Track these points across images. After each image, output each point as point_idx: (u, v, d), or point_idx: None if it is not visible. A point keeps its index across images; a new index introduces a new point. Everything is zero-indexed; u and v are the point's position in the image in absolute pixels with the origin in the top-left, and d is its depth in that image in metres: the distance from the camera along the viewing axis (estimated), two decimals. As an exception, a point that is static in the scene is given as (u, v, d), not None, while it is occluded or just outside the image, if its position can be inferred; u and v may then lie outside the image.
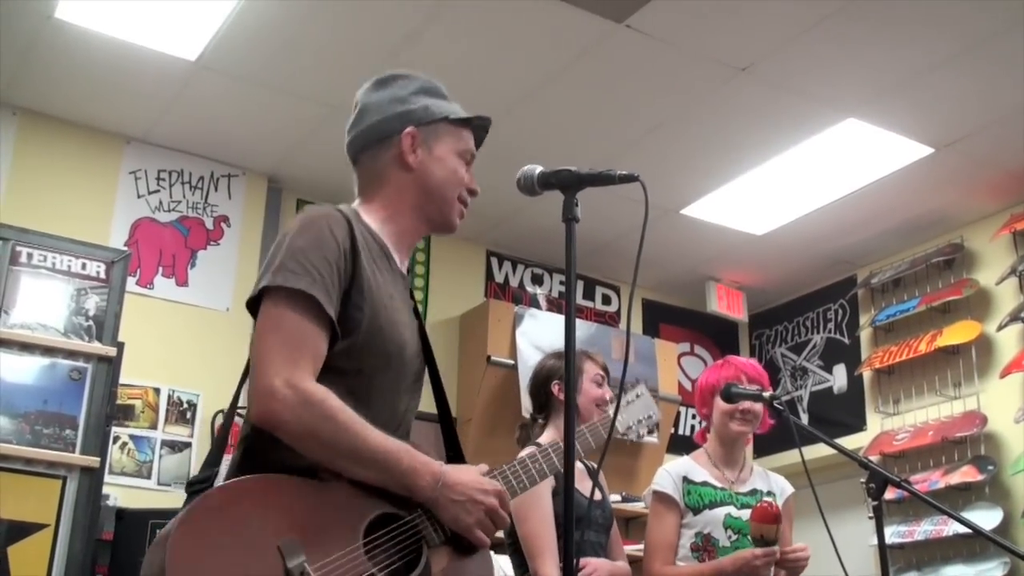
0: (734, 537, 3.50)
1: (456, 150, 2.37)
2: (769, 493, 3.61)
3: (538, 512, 3.38)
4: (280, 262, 2.07)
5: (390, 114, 2.35)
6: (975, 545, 6.24)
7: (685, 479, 3.64)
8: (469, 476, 2.09)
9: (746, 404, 3.59)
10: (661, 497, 3.64)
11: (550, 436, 3.64)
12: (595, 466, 3.61)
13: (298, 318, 2.02)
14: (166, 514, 4.27)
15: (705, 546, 3.54)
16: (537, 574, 3.36)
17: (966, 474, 6.29)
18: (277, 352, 1.99)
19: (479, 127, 2.45)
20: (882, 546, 2.88)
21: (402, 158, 2.31)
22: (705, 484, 3.63)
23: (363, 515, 1.99)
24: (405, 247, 2.34)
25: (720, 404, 3.65)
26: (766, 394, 3.39)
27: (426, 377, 2.35)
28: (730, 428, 3.66)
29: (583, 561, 3.39)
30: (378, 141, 2.34)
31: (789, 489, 3.68)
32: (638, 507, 6.56)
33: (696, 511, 3.58)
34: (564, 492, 2.00)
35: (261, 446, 2.04)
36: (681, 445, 7.42)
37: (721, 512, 3.55)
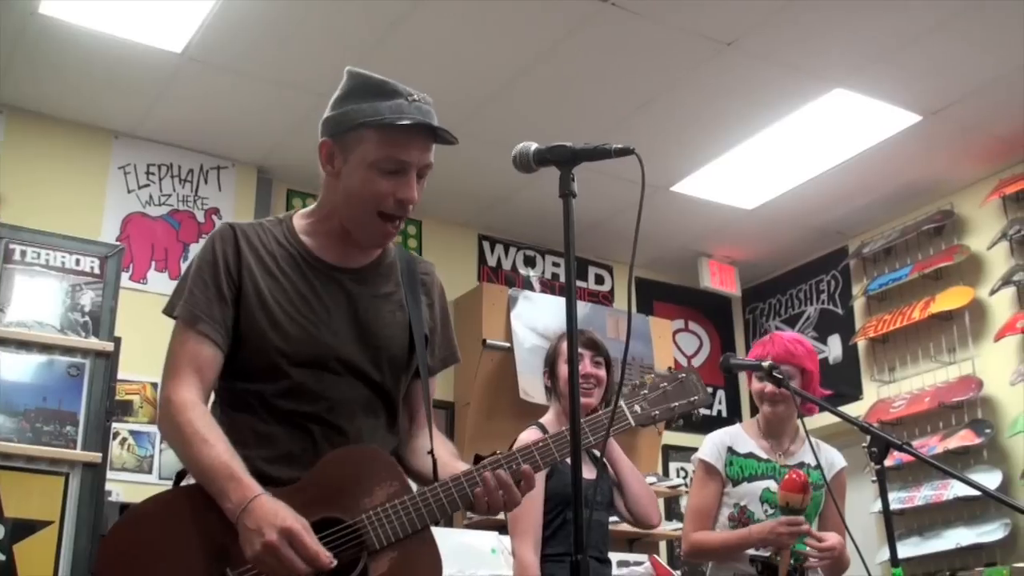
0: (770, 511, 3.49)
1: (371, 159, 2.19)
2: (817, 467, 3.58)
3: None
4: (176, 288, 2.27)
5: (322, 119, 2.33)
6: (975, 508, 6.28)
7: (730, 449, 3.65)
8: (270, 509, 1.97)
9: (771, 388, 3.58)
10: (704, 465, 3.66)
11: (547, 417, 3.65)
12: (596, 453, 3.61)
13: (180, 340, 2.19)
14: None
15: (741, 518, 3.55)
16: (514, 553, 3.38)
17: (964, 438, 6.33)
18: (165, 371, 2.19)
19: (417, 127, 2.21)
20: (886, 507, 2.89)
21: (323, 168, 2.31)
22: (750, 455, 3.63)
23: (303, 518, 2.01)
24: (355, 248, 2.30)
25: (753, 384, 3.67)
26: (765, 363, 3.39)
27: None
28: (763, 409, 3.68)
29: None
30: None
31: (839, 464, 3.65)
32: (639, 484, 6.57)
33: (736, 482, 3.59)
34: (572, 480, 1.98)
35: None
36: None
37: (759, 486, 3.55)
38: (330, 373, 2.21)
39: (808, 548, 3.44)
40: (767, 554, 3.46)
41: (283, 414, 2.18)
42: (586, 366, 3.58)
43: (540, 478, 3.38)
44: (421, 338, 2.32)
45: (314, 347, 2.20)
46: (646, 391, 2.29)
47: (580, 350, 3.58)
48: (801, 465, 3.60)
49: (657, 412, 2.30)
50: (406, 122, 2.17)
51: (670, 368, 2.20)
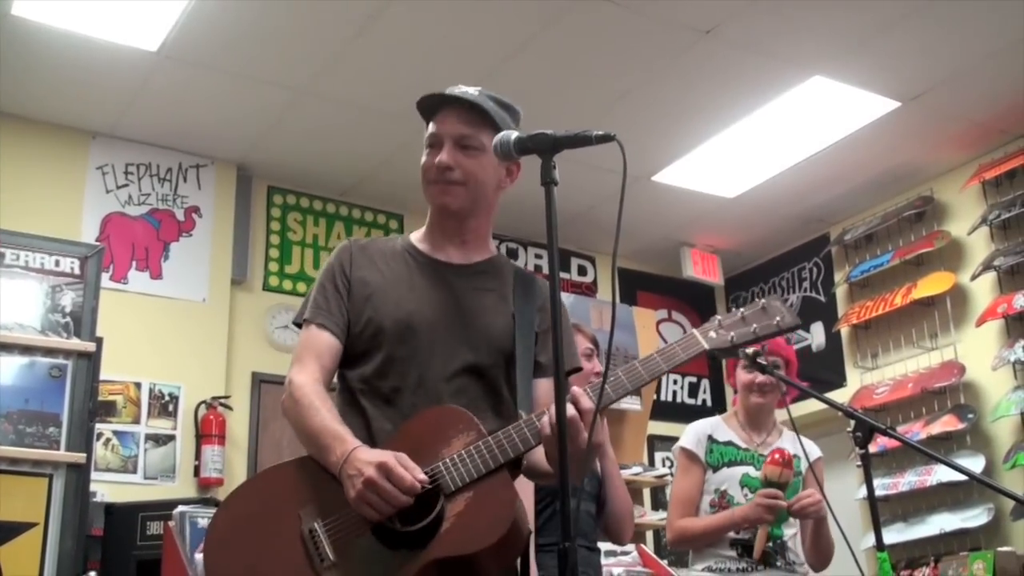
0: (750, 496, 3.52)
1: (424, 142, 2.47)
2: (795, 456, 3.62)
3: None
4: (304, 300, 2.51)
5: None
6: (959, 493, 6.31)
7: (710, 437, 3.70)
8: (367, 453, 2.14)
9: (762, 377, 3.61)
10: (685, 453, 3.71)
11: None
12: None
13: (304, 335, 2.42)
14: (156, 507, 4.26)
15: (721, 503, 3.59)
16: None
17: (947, 423, 6.36)
18: (293, 359, 2.42)
19: (435, 104, 2.49)
20: (871, 492, 2.91)
21: None
22: (729, 444, 3.68)
23: None
24: (457, 239, 2.49)
25: (741, 375, 3.69)
26: (749, 350, 3.41)
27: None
28: (750, 400, 3.71)
29: None
30: None
31: (816, 453, 3.68)
32: (624, 474, 6.57)
33: (715, 468, 3.64)
34: (559, 468, 1.97)
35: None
36: (664, 411, 7.47)
37: (739, 471, 3.59)
38: (421, 353, 2.34)
39: (798, 503, 3.46)
40: (747, 537, 3.49)
41: (376, 393, 2.35)
42: (597, 364, 3.62)
43: None
44: (528, 334, 2.41)
45: (407, 323, 2.35)
46: (720, 319, 2.25)
47: (593, 346, 3.72)
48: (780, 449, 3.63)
49: (734, 335, 2.24)
50: (426, 96, 2.47)
51: (756, 298, 2.13)
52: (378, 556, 2.12)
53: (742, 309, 2.26)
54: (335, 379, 2.44)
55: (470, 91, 2.49)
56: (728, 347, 2.22)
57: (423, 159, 2.45)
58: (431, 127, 2.46)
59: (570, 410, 2.09)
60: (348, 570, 2.12)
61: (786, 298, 2.11)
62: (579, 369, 2.48)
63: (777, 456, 3.47)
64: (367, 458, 2.12)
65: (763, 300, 2.28)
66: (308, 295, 2.49)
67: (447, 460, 2.16)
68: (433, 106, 2.48)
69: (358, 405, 2.35)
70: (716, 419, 3.82)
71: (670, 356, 2.22)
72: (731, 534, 3.52)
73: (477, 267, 2.49)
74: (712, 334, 2.23)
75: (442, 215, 2.48)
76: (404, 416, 2.28)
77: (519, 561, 2.27)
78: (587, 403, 2.14)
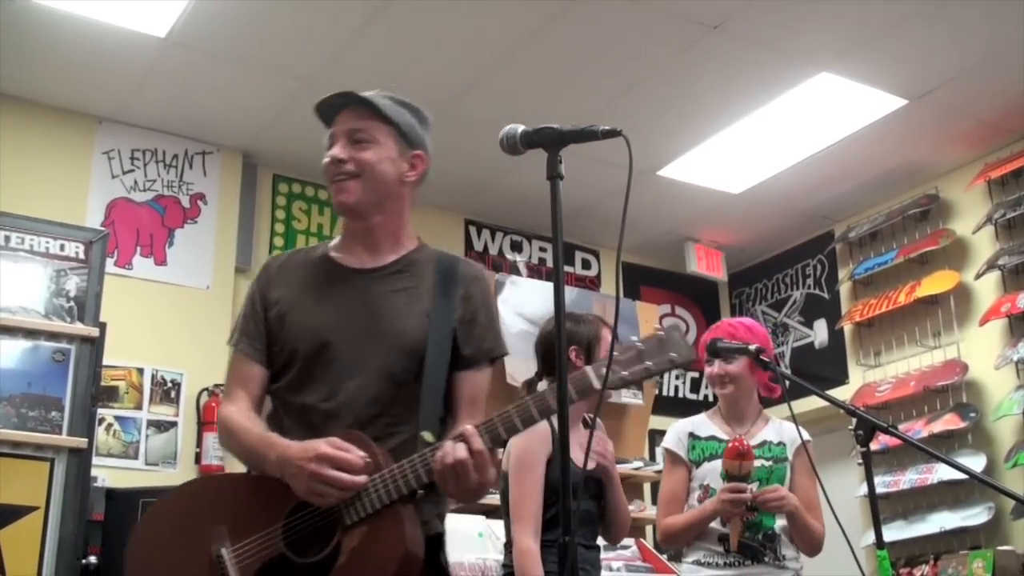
0: None
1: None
2: (780, 444, 3.63)
3: (527, 479, 3.37)
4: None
5: None
6: (960, 492, 6.31)
7: (691, 435, 3.70)
8: (301, 447, 2.19)
9: (716, 368, 3.62)
10: (668, 454, 3.73)
11: None
12: (589, 420, 3.61)
13: (231, 362, 2.52)
14: (156, 493, 4.26)
15: (705, 497, 3.59)
16: (514, 540, 3.37)
17: (949, 422, 6.35)
18: (224, 393, 2.56)
19: (332, 109, 2.52)
20: (872, 489, 2.91)
21: None
22: (711, 438, 3.68)
23: (287, 501, 2.21)
24: (371, 243, 2.51)
25: (707, 369, 3.70)
26: (752, 347, 3.40)
27: None
28: (716, 391, 3.73)
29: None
30: None
31: (799, 439, 3.61)
32: (624, 469, 6.59)
33: (698, 464, 3.64)
34: (561, 462, 1.99)
35: None
36: (666, 406, 7.47)
37: (719, 464, 3.58)
38: (333, 365, 2.36)
39: (762, 496, 3.46)
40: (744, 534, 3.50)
41: (293, 408, 2.39)
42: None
43: (540, 463, 3.39)
44: (443, 330, 2.39)
45: (318, 339, 2.37)
46: (616, 354, 2.18)
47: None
48: (763, 443, 3.63)
49: (626, 373, 2.18)
50: (319, 103, 2.49)
51: (656, 327, 2.10)
52: None
53: (638, 343, 2.19)
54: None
55: (362, 92, 2.51)
56: (620, 384, 2.20)
57: (324, 160, 2.49)
58: (328, 130, 2.50)
59: (460, 452, 2.12)
60: None
61: (687, 329, 2.04)
62: (504, 354, 2.50)
63: (732, 446, 3.46)
64: (303, 453, 2.16)
65: (662, 332, 2.22)
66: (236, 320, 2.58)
67: None
68: (330, 113, 2.51)
69: (279, 421, 2.41)
70: (700, 416, 3.82)
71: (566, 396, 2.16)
72: (718, 528, 3.52)
73: (390, 267, 2.48)
74: (604, 370, 2.16)
75: (346, 215, 2.51)
76: (318, 432, 2.26)
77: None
78: (479, 444, 2.14)
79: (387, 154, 2.45)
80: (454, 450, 2.12)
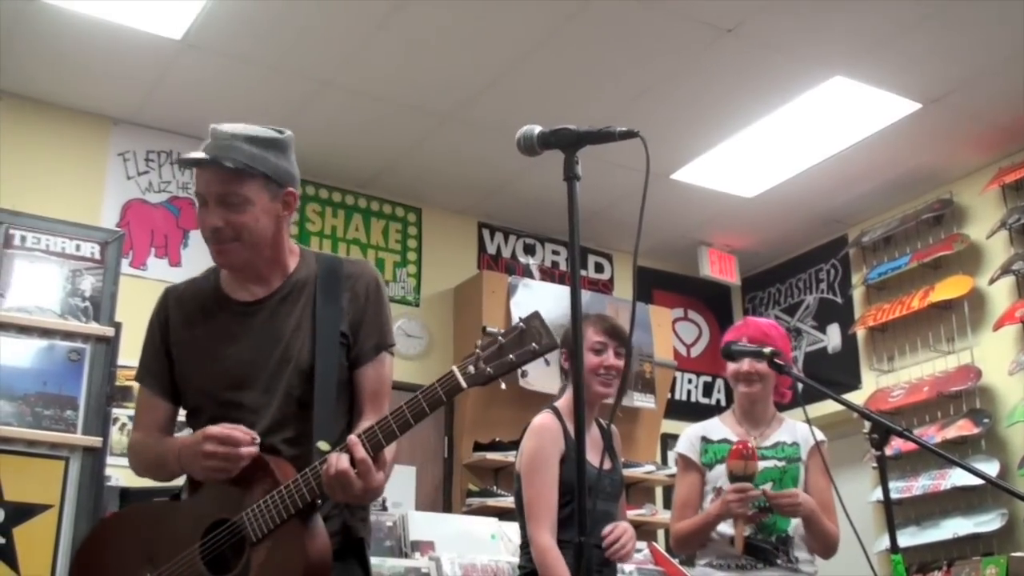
0: None
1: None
2: (793, 444, 3.62)
3: (541, 477, 3.38)
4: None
5: None
6: (973, 498, 6.29)
7: (703, 439, 3.69)
8: (189, 438, 2.35)
9: (745, 366, 3.61)
10: (681, 458, 3.74)
11: (563, 401, 3.61)
12: (605, 426, 3.61)
13: (137, 397, 2.66)
14: (168, 493, 4.27)
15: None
16: (531, 538, 3.37)
17: (962, 428, 6.34)
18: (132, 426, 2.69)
19: (193, 164, 2.47)
20: (886, 493, 2.90)
21: None
22: (723, 441, 3.66)
23: (202, 522, 2.32)
24: (252, 277, 2.52)
25: (729, 366, 3.68)
26: (767, 350, 3.40)
27: None
28: (739, 389, 3.70)
29: (611, 526, 3.37)
30: None
31: (812, 439, 3.60)
32: (636, 472, 6.59)
33: (710, 467, 3.64)
34: (577, 460, 1.99)
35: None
36: (679, 410, 7.46)
37: None
38: (245, 401, 2.43)
39: (778, 499, 3.46)
40: (747, 534, 3.48)
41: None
42: (610, 357, 3.53)
43: (553, 461, 3.39)
44: (331, 339, 2.46)
45: (223, 381, 2.45)
46: (479, 351, 2.21)
47: (605, 339, 3.55)
48: (777, 444, 3.63)
49: (491, 368, 2.20)
50: (183, 156, 2.47)
51: (519, 318, 2.11)
52: None
53: (500, 336, 2.21)
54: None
55: (223, 135, 2.43)
56: (486, 380, 2.22)
57: (197, 218, 2.50)
58: (195, 185, 2.47)
59: (342, 463, 2.18)
60: None
61: (541, 319, 2.00)
62: (391, 344, 2.55)
63: (737, 448, 3.46)
64: (193, 441, 2.31)
65: (521, 323, 2.23)
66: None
67: (250, 510, 2.28)
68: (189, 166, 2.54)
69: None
70: (713, 419, 3.82)
71: (432, 397, 2.21)
72: (730, 531, 3.51)
73: (277, 294, 2.52)
74: (471, 368, 2.19)
75: (232, 272, 2.53)
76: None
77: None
78: (361, 453, 2.19)
79: (261, 208, 2.43)
80: (337, 461, 2.19)
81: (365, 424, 2.32)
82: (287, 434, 2.40)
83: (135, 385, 5.62)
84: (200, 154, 2.40)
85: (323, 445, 2.32)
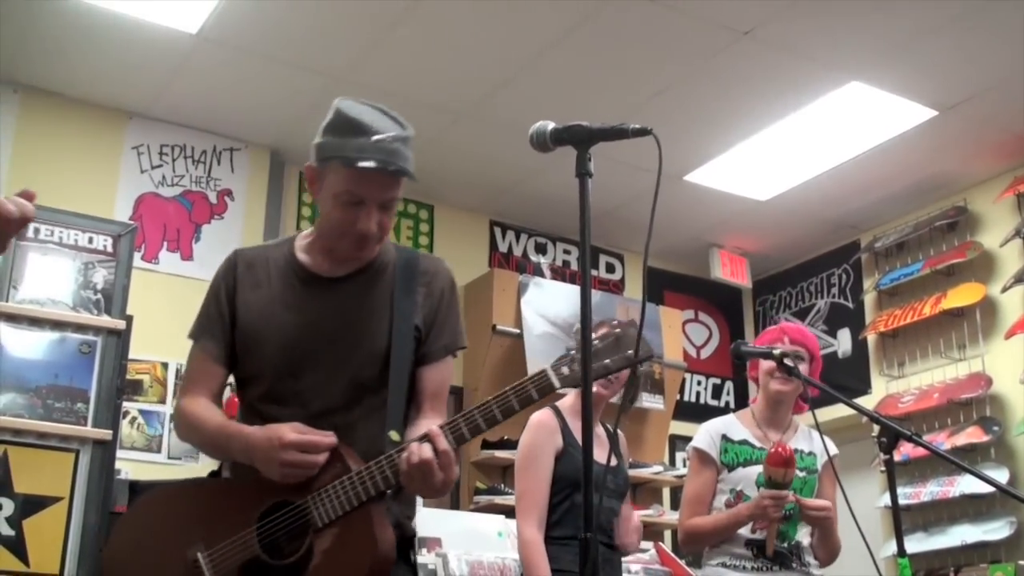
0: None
1: (334, 192, 2.37)
2: (810, 453, 3.62)
3: (532, 471, 3.39)
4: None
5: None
6: (981, 505, 6.27)
7: (724, 437, 3.66)
8: (264, 435, 2.25)
9: (787, 362, 3.60)
10: (698, 453, 3.68)
11: (565, 401, 3.62)
12: (611, 429, 3.61)
13: (191, 355, 2.55)
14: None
15: (738, 503, 3.56)
16: (518, 530, 3.38)
17: (972, 435, 6.32)
18: (182, 388, 2.56)
19: (369, 170, 2.32)
20: (894, 497, 2.90)
21: (310, 189, 2.52)
22: (744, 443, 3.64)
23: (260, 504, 2.26)
24: (342, 257, 2.47)
25: (764, 364, 3.65)
26: (776, 351, 3.40)
27: None
28: (771, 387, 3.65)
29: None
30: None
31: (832, 450, 3.63)
32: (644, 473, 6.59)
33: (731, 468, 3.61)
34: (583, 463, 1.99)
35: None
36: (687, 411, 7.45)
37: (755, 470, 3.55)
38: (305, 375, 2.39)
39: (811, 509, 3.47)
40: (761, 537, 3.48)
41: (267, 417, 2.37)
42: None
43: (546, 456, 3.40)
44: (406, 330, 2.42)
45: (289, 350, 2.40)
46: (574, 352, 2.22)
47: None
48: (796, 452, 3.61)
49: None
50: (361, 164, 2.31)
51: (614, 321, 2.11)
52: None
53: (596, 340, 2.21)
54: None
55: (387, 140, 2.34)
56: (576, 384, 2.20)
57: (331, 212, 2.39)
58: (353, 185, 2.33)
59: (425, 452, 2.16)
60: None
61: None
62: (463, 347, 2.53)
63: (779, 452, 3.41)
64: (268, 442, 2.23)
65: (619, 330, 2.28)
66: (200, 308, 2.56)
67: (316, 494, 2.23)
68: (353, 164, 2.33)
69: (255, 425, 2.39)
70: (730, 417, 3.79)
71: (523, 395, 2.20)
72: (746, 534, 3.50)
73: (360, 275, 2.48)
74: (564, 370, 2.19)
75: (347, 258, 2.46)
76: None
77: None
78: (444, 444, 2.18)
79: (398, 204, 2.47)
80: (420, 450, 2.16)
81: (435, 421, 2.31)
82: (342, 418, 2.35)
83: (146, 378, 5.72)
84: (379, 163, 2.31)
85: (394, 435, 2.29)
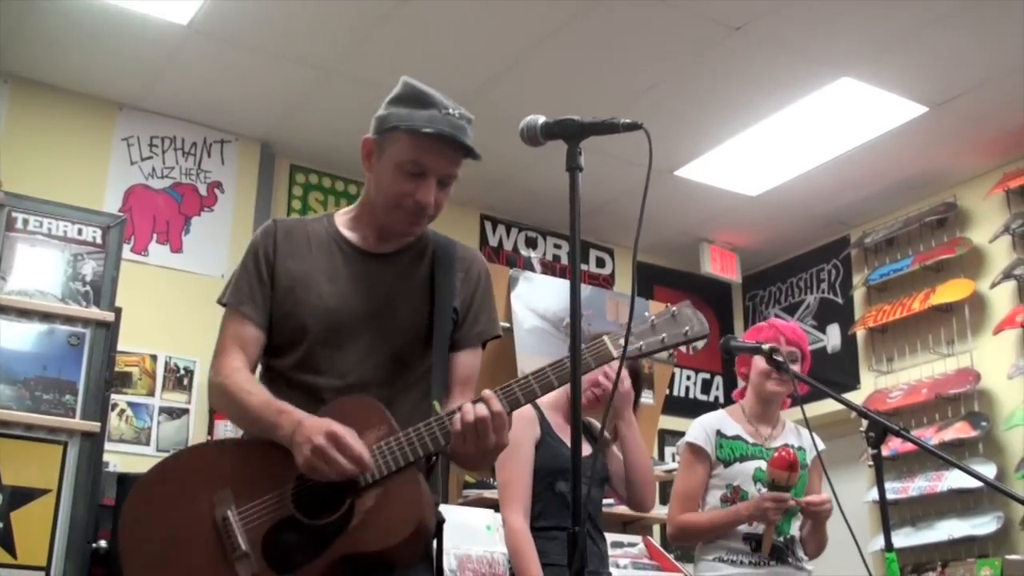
0: (764, 490, 3.52)
1: (397, 160, 2.36)
2: (800, 448, 3.64)
3: (514, 461, 3.39)
4: (227, 282, 2.50)
5: (373, 118, 2.49)
6: (969, 500, 6.30)
7: (718, 432, 3.67)
8: (316, 422, 2.18)
9: (776, 358, 3.61)
10: (693, 448, 3.67)
11: (546, 399, 3.62)
12: (593, 422, 3.62)
13: (226, 322, 2.44)
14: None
15: (734, 498, 3.57)
16: (504, 521, 3.39)
17: (960, 430, 6.34)
18: (215, 352, 2.43)
19: (440, 136, 2.33)
20: (882, 492, 2.91)
21: (363, 163, 2.49)
22: (737, 438, 3.66)
23: (295, 465, 2.17)
24: (388, 235, 2.46)
25: (759, 364, 3.65)
26: (765, 347, 3.41)
27: None
28: (767, 388, 3.67)
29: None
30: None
31: (820, 446, 3.67)
32: (634, 468, 6.58)
33: (727, 464, 3.62)
34: (572, 454, 1.99)
35: None
36: (676, 406, 7.47)
37: (751, 465, 3.58)
38: (345, 346, 2.36)
39: (812, 505, 3.48)
40: (759, 532, 3.50)
41: (300, 386, 2.35)
42: (598, 375, 3.53)
43: (527, 446, 3.41)
44: (447, 310, 2.42)
45: (329, 319, 2.36)
46: (632, 326, 2.27)
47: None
48: (786, 446, 3.63)
49: (643, 344, 2.27)
50: (429, 130, 2.31)
51: (667, 305, 2.16)
52: (288, 548, 2.17)
53: (652, 316, 2.28)
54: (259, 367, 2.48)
55: (455, 116, 2.40)
56: (637, 355, 2.27)
57: (393, 182, 2.37)
58: (420, 154, 2.34)
59: (480, 411, 2.15)
60: (258, 561, 2.16)
61: (693, 308, 2.02)
62: (497, 335, 2.52)
63: (784, 456, 3.43)
64: (318, 428, 2.15)
65: (674, 308, 2.31)
66: (232, 276, 2.49)
67: None
68: (430, 136, 2.34)
69: (282, 395, 2.33)
70: (721, 413, 3.79)
71: (582, 363, 2.18)
72: (743, 528, 3.52)
73: (398, 253, 2.48)
74: (622, 341, 2.23)
75: (398, 233, 2.45)
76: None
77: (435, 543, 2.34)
78: (498, 406, 2.17)
79: None
80: (475, 409, 2.15)
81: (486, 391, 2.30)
82: (378, 392, 2.31)
83: (135, 370, 5.70)
84: (449, 134, 2.34)
85: (437, 405, 2.28)
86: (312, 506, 2.18)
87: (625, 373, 3.58)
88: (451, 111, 2.38)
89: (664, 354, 7.21)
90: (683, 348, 2.44)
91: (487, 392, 2.19)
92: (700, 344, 2.44)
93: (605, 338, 2.26)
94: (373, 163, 2.43)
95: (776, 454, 3.46)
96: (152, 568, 2.20)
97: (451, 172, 2.39)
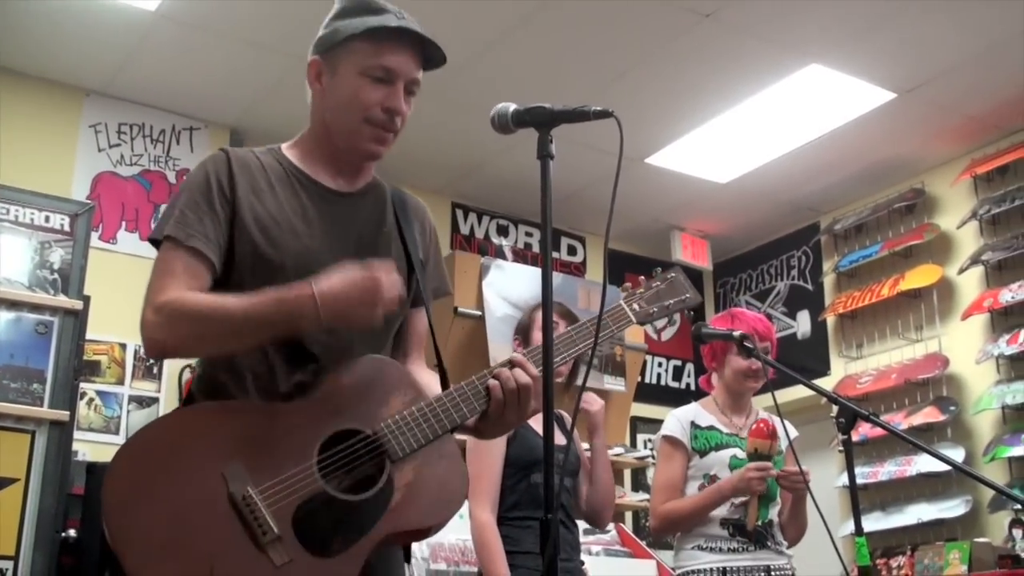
0: None
1: (359, 68, 2.16)
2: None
3: (484, 454, 3.39)
4: (163, 214, 2.17)
5: (314, 40, 2.30)
6: (938, 484, 6.35)
7: (693, 423, 3.70)
8: (338, 281, 1.98)
9: (755, 364, 3.63)
10: (670, 440, 3.70)
11: None
12: (563, 414, 3.62)
13: (168, 257, 2.08)
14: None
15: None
16: (471, 514, 3.38)
17: (928, 415, 6.39)
18: (148, 291, 2.07)
19: (405, 33, 2.19)
20: (852, 477, 2.93)
21: (312, 87, 2.27)
22: (711, 428, 3.69)
23: (317, 433, 1.97)
24: (350, 168, 2.26)
25: (736, 361, 3.68)
26: (736, 334, 3.43)
27: None
28: (744, 384, 3.72)
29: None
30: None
31: (792, 433, 3.68)
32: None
33: (703, 453, 3.64)
34: (544, 442, 1.98)
35: (202, 389, 2.14)
36: (648, 393, 7.49)
37: (727, 453, 3.61)
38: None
39: (789, 475, 3.50)
40: (737, 517, 3.51)
41: (281, 337, 2.07)
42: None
43: (501, 441, 3.40)
44: (419, 263, 2.29)
45: (309, 262, 2.08)
46: (641, 290, 2.33)
47: (556, 319, 3.56)
48: (763, 418, 3.66)
49: (655, 309, 2.33)
50: (395, 24, 2.17)
51: (656, 270, 2.16)
52: (323, 528, 1.93)
53: (656, 283, 2.37)
54: None
55: (416, 22, 2.26)
56: (646, 319, 2.36)
57: (358, 91, 2.17)
58: (382, 58, 2.17)
59: (521, 377, 2.06)
60: (296, 544, 1.90)
61: (684, 274, 2.06)
62: (448, 294, 2.40)
63: (763, 426, 3.50)
64: (349, 286, 1.97)
65: (669, 275, 2.39)
66: (171, 208, 2.13)
67: (389, 422, 2.01)
68: (384, 32, 2.17)
69: (259, 350, 2.07)
70: (694, 406, 3.82)
71: (602, 327, 2.19)
72: (721, 514, 3.54)
73: (362, 194, 2.28)
74: (636, 307, 2.31)
75: (359, 157, 2.25)
76: (316, 362, 2.08)
77: None
78: (534, 370, 2.07)
79: None
80: (517, 375, 2.05)
81: (421, 370, 2.22)
82: (366, 341, 2.13)
83: (104, 359, 5.66)
84: (417, 29, 2.20)
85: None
86: (339, 479, 1.96)
87: (596, 396, 3.64)
88: (404, 16, 2.23)
89: (638, 341, 7.26)
90: (653, 336, 2.52)
91: (517, 356, 2.09)
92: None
93: (621, 302, 2.30)
94: (325, 84, 2.22)
95: (755, 425, 3.51)
96: (160, 558, 1.85)
97: (416, 77, 2.22)
